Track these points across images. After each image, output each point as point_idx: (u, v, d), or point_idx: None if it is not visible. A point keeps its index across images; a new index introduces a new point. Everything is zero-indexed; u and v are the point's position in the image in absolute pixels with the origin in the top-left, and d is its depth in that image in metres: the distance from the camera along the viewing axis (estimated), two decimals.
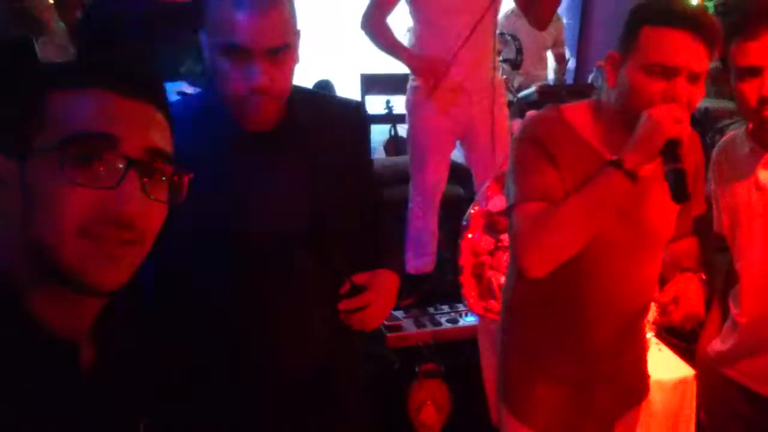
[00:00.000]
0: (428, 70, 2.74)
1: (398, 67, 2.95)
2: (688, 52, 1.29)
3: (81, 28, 2.29)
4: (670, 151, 1.28)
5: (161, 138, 0.83)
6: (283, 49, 1.25)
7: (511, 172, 1.45)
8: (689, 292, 1.44)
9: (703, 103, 3.32)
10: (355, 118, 1.54)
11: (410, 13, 2.83)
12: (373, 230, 1.54)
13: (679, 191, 1.28)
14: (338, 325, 1.42)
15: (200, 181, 1.07)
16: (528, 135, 1.44)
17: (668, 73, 1.30)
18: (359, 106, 1.61)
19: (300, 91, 1.41)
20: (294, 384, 1.41)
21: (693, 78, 1.31)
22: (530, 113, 1.83)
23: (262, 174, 1.35)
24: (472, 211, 2.42)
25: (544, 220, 1.34)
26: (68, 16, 3.29)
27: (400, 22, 2.94)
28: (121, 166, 0.77)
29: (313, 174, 1.38)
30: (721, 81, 2.32)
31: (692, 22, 1.29)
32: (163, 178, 0.83)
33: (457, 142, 3.01)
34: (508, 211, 1.45)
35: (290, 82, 1.32)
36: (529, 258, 1.36)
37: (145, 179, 0.80)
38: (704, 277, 1.50)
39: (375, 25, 2.79)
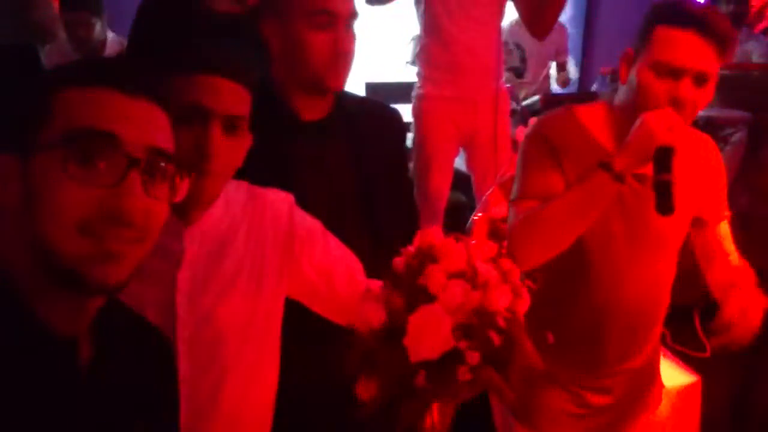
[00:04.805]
0: None
1: (403, 76, 2.93)
2: (695, 54, 1.29)
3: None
4: (662, 159, 1.26)
5: (163, 137, 0.83)
6: (356, 16, 1.37)
7: (518, 167, 1.47)
8: (754, 307, 1.41)
9: (707, 111, 3.30)
10: (394, 119, 1.63)
11: (418, 19, 2.85)
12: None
13: (663, 203, 1.25)
14: None
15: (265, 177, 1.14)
16: (536, 133, 1.46)
17: (674, 73, 1.30)
18: (396, 110, 1.69)
19: (346, 91, 1.50)
20: None
21: (699, 80, 1.31)
22: (533, 120, 1.83)
23: (312, 162, 1.41)
24: (475, 217, 2.42)
25: (533, 216, 1.36)
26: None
27: (405, 30, 2.95)
28: (122, 164, 0.77)
29: (360, 160, 1.46)
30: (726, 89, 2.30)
31: (701, 23, 1.29)
32: (164, 177, 0.83)
33: (460, 149, 3.02)
34: (509, 206, 1.47)
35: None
36: (518, 252, 1.37)
37: (146, 178, 0.80)
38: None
39: None
